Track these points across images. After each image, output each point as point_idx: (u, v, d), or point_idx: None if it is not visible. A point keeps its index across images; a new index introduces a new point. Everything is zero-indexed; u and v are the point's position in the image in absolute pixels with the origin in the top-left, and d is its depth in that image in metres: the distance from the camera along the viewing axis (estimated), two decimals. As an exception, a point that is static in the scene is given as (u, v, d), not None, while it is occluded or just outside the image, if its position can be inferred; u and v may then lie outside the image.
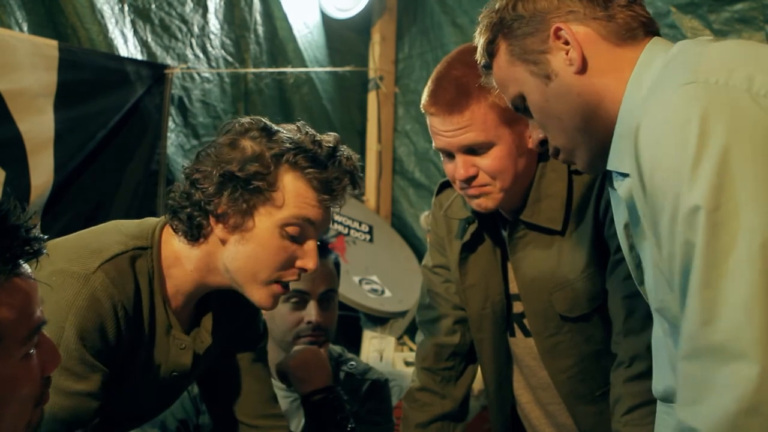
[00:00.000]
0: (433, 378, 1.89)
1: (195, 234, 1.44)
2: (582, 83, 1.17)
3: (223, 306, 1.58)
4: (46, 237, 1.05)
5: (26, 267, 1.03)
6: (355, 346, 3.35)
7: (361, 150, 3.83)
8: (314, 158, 1.41)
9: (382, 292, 3.43)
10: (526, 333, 1.75)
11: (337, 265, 2.11)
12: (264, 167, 1.40)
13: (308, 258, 1.44)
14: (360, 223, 3.62)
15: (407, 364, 3.22)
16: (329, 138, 1.46)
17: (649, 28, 1.20)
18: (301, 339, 2.00)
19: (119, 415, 1.53)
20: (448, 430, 1.88)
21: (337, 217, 3.54)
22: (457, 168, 1.60)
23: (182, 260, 1.46)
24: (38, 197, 2.46)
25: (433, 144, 1.64)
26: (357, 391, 2.12)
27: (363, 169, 3.77)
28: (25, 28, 2.57)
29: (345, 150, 1.46)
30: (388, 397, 2.21)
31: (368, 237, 3.61)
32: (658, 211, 1.01)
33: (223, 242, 1.43)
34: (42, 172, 2.47)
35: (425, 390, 1.89)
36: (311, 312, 2.00)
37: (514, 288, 1.75)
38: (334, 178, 1.42)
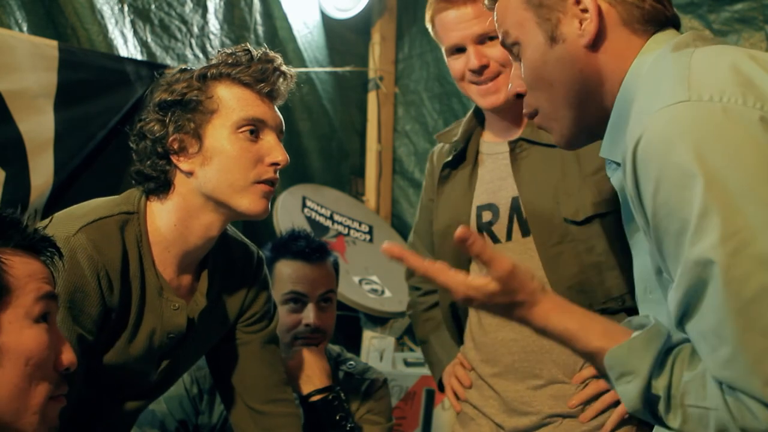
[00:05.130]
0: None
1: (165, 182, 1.48)
2: (588, 59, 1.10)
3: (216, 267, 1.60)
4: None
5: (42, 254, 1.14)
6: (355, 346, 3.34)
7: (361, 150, 3.83)
8: (234, 63, 1.51)
9: (382, 292, 3.43)
10: (495, 239, 1.74)
11: (335, 266, 2.11)
12: (194, 86, 1.49)
13: (274, 152, 1.49)
14: (360, 223, 3.61)
15: (407, 364, 3.22)
16: (241, 46, 1.55)
17: (671, 22, 1.13)
18: (299, 341, 2.00)
19: (128, 384, 1.53)
20: None
21: (337, 217, 3.55)
22: (470, 59, 1.69)
23: (164, 219, 1.49)
24: (38, 197, 2.46)
25: (446, 43, 1.72)
26: (356, 391, 2.12)
27: (362, 169, 3.80)
28: (25, 28, 2.57)
29: (260, 48, 1.55)
30: (387, 397, 2.21)
31: (368, 237, 3.61)
32: (661, 232, 0.95)
33: (191, 174, 1.47)
34: (42, 173, 2.46)
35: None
36: (309, 315, 2.00)
37: (480, 200, 1.77)
38: (259, 68, 1.51)
